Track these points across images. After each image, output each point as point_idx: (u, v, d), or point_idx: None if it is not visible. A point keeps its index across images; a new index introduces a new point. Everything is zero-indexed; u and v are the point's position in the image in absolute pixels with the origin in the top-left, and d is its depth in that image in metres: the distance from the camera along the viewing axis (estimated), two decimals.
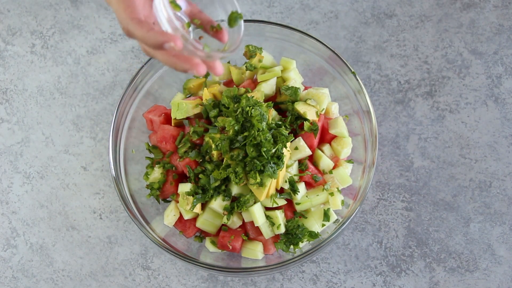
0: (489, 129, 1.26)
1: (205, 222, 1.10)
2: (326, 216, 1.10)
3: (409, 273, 1.20)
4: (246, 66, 1.16)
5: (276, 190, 1.09)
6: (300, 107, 1.11)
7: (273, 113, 1.11)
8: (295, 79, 1.15)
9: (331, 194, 1.10)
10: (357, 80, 1.11)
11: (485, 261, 1.20)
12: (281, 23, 1.17)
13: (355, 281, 1.20)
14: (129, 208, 1.09)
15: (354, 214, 1.06)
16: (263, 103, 1.08)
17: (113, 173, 1.10)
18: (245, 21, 1.15)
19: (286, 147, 1.05)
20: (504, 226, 1.21)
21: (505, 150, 1.25)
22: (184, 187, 1.09)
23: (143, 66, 1.14)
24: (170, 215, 1.13)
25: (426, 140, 1.26)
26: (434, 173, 1.24)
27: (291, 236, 1.09)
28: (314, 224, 1.10)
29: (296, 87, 1.13)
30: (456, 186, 1.24)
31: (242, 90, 1.12)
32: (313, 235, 1.09)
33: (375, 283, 1.19)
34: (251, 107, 1.03)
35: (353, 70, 1.12)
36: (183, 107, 1.12)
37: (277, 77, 1.16)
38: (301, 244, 1.10)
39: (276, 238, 1.12)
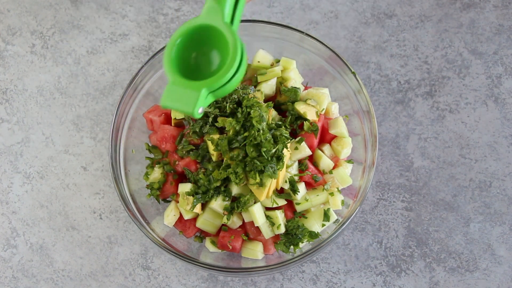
0: (489, 129, 1.26)
1: (205, 222, 1.10)
2: (326, 216, 1.10)
3: (409, 273, 1.20)
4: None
5: (276, 190, 1.09)
6: (300, 107, 1.11)
7: (273, 113, 1.11)
8: (295, 79, 1.15)
9: (331, 194, 1.10)
10: (357, 80, 1.11)
11: (485, 261, 1.20)
12: (281, 23, 1.17)
13: (355, 281, 1.20)
14: (129, 208, 1.09)
15: (354, 214, 1.06)
16: (263, 103, 1.08)
17: (113, 173, 1.10)
18: (245, 21, 1.15)
19: (287, 148, 1.05)
20: (504, 226, 1.21)
21: (505, 150, 1.25)
22: (184, 187, 1.09)
23: (143, 66, 1.14)
24: (170, 215, 1.13)
25: (426, 140, 1.26)
26: (434, 173, 1.24)
27: (291, 236, 1.09)
28: (314, 224, 1.10)
29: (296, 88, 1.13)
30: (456, 186, 1.24)
31: None
32: (313, 235, 1.09)
33: (375, 283, 1.19)
34: (250, 108, 1.03)
35: (353, 70, 1.12)
36: None
37: (277, 77, 1.16)
38: (301, 244, 1.10)
39: (276, 238, 1.12)
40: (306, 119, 1.11)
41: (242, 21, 1.16)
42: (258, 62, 1.17)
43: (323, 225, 1.11)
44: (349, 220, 1.06)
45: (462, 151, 1.25)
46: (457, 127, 1.27)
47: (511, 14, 1.33)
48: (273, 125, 1.07)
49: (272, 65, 1.18)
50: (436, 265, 1.20)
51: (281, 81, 1.16)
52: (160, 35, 1.34)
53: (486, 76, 1.29)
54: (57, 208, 1.26)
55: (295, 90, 1.12)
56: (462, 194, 1.23)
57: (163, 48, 1.15)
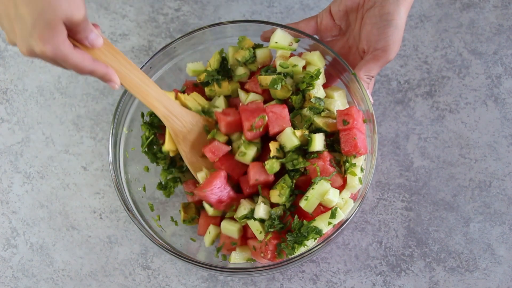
0: (489, 129, 1.26)
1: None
2: (332, 215, 1.07)
3: (409, 273, 1.20)
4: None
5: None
6: (319, 121, 1.10)
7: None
8: (319, 85, 1.12)
9: (350, 171, 1.08)
10: (357, 80, 1.11)
11: (485, 261, 1.20)
12: (281, 23, 1.17)
13: (355, 281, 1.20)
14: (129, 208, 1.09)
15: (354, 214, 1.06)
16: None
17: (113, 173, 1.11)
18: (245, 21, 1.15)
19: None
20: (504, 226, 1.21)
21: (505, 150, 1.25)
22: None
23: (143, 66, 1.15)
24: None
25: (426, 140, 1.26)
26: (434, 173, 1.24)
27: (296, 235, 1.06)
28: (320, 223, 1.07)
29: (319, 98, 1.10)
30: (456, 186, 1.24)
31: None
32: (318, 231, 1.06)
33: (375, 283, 1.19)
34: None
35: (353, 71, 1.12)
36: None
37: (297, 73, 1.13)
38: (307, 243, 1.07)
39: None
40: (326, 131, 1.10)
41: (242, 21, 1.16)
42: (276, 43, 1.12)
43: (330, 223, 1.07)
44: (349, 220, 1.06)
45: (462, 151, 1.25)
46: (457, 127, 1.27)
47: (511, 14, 1.33)
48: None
49: (290, 45, 1.13)
50: (436, 265, 1.20)
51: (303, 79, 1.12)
52: (160, 35, 1.34)
53: (486, 76, 1.29)
54: (57, 208, 1.26)
55: (319, 102, 1.10)
56: (462, 194, 1.23)
57: (163, 48, 1.15)
